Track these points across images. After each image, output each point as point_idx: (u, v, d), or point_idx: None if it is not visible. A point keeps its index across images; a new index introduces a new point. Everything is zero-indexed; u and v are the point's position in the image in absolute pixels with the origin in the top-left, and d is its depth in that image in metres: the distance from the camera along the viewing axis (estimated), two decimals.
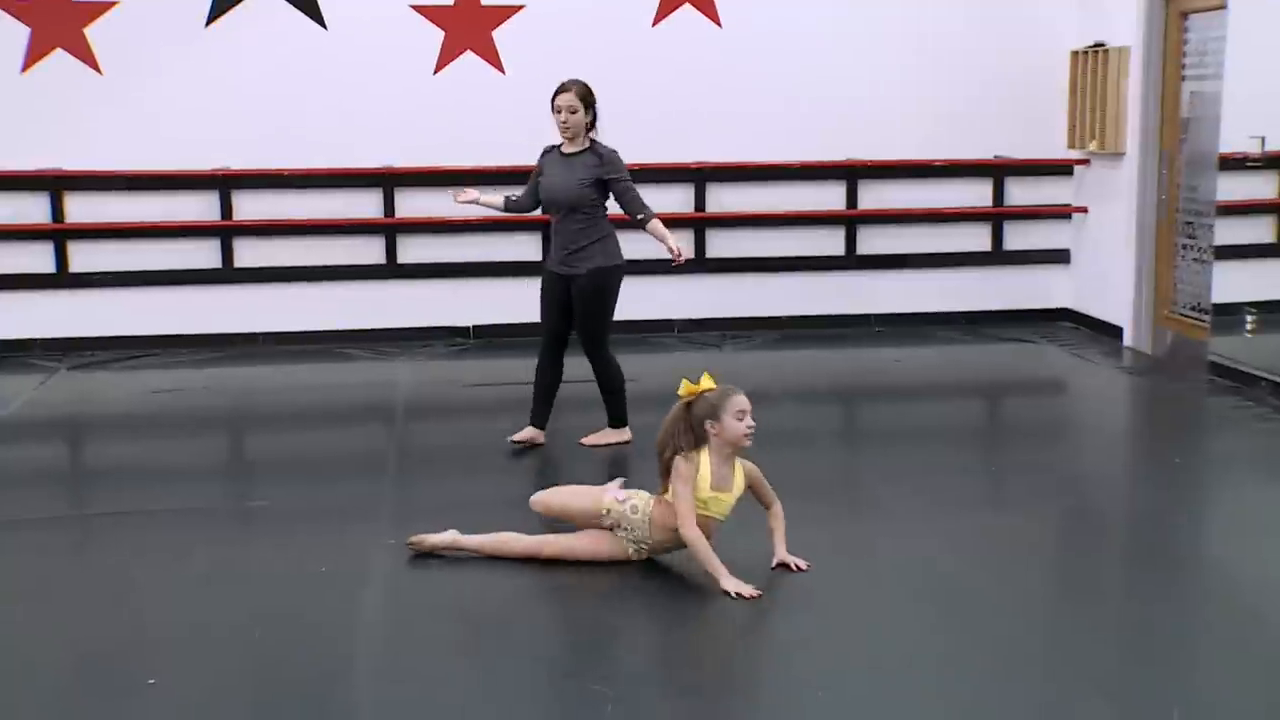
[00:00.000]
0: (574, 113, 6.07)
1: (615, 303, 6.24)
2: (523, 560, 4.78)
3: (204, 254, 8.56)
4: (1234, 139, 7.40)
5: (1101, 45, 8.57)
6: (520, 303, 8.75)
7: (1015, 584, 4.69)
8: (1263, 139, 7.21)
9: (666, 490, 4.69)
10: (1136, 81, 8.28)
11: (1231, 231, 7.59)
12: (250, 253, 8.61)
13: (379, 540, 5.03)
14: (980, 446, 6.82)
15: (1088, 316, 9.07)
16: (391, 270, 8.73)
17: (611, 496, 4.80)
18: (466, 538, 4.85)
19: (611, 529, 4.77)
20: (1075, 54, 8.85)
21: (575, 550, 4.79)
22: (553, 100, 6.10)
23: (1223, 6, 7.43)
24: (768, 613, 4.42)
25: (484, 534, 4.86)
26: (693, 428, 4.64)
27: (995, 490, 5.96)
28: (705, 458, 4.63)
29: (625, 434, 6.35)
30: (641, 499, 4.76)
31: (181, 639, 4.27)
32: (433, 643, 4.22)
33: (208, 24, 8.30)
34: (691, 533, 4.56)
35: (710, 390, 4.67)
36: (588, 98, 6.09)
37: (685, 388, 4.73)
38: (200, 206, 8.53)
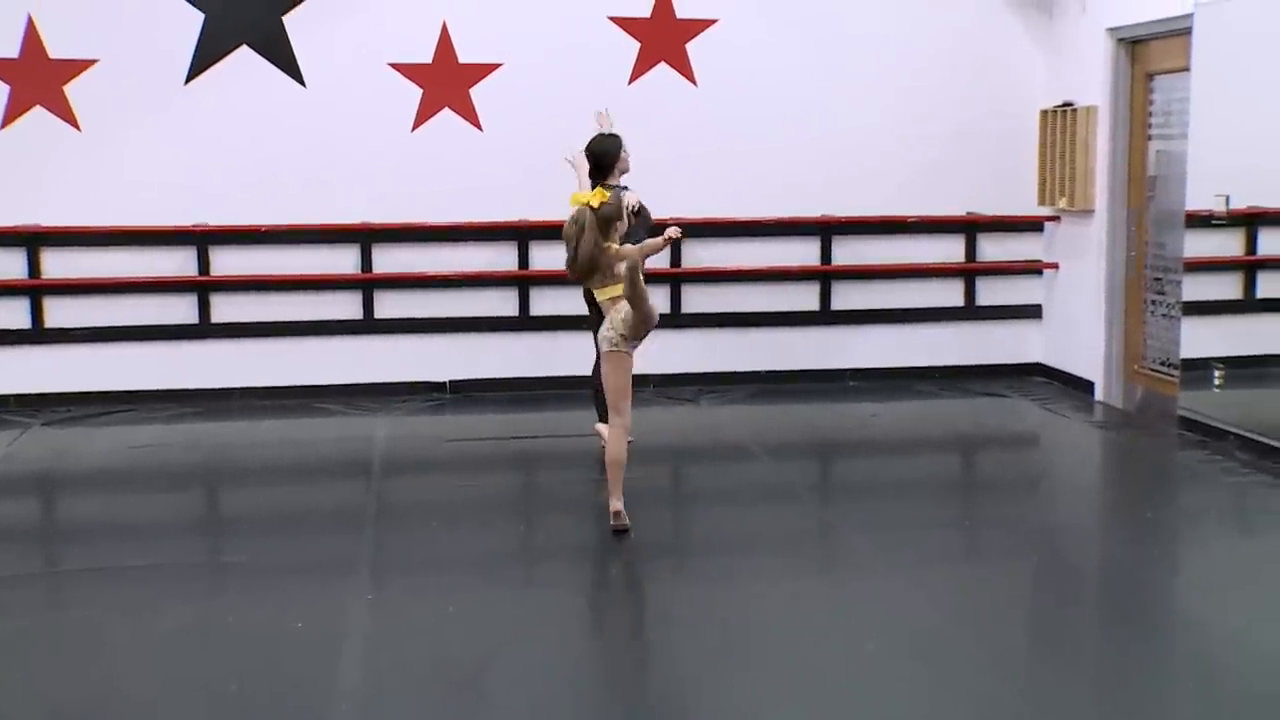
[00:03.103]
0: None
1: None
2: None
3: (181, 309, 8.57)
4: (1200, 197, 7.53)
5: (1070, 105, 8.72)
6: (497, 358, 8.86)
7: (992, 638, 4.72)
8: (1227, 197, 7.34)
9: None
10: (1104, 140, 8.43)
11: (1199, 288, 7.71)
12: (227, 308, 8.62)
13: (357, 595, 5.04)
14: (955, 501, 6.87)
15: (1059, 371, 9.16)
16: (368, 325, 8.75)
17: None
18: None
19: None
20: (1045, 113, 8.99)
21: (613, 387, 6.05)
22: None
23: (1186, 69, 7.59)
24: (746, 666, 4.44)
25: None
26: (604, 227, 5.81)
27: (970, 544, 6.00)
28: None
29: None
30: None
31: (157, 695, 4.26)
32: (409, 699, 4.22)
33: (187, 82, 8.36)
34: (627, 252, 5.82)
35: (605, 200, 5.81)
36: None
37: (597, 197, 5.78)
38: (177, 262, 8.55)
